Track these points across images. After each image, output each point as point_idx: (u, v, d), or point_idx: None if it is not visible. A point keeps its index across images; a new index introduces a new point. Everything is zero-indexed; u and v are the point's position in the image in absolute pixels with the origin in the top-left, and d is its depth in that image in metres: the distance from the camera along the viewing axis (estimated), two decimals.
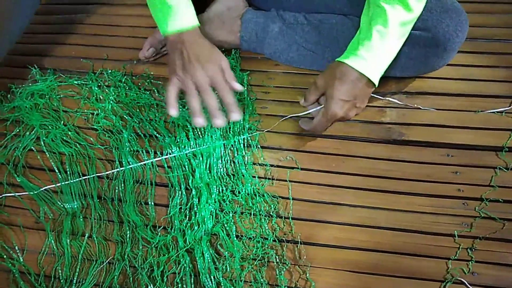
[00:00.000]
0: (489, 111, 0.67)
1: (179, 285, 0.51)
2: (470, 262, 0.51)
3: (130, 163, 0.63)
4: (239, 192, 0.59)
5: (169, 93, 0.59)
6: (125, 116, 0.70)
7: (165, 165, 0.63)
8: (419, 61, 0.67)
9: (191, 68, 0.59)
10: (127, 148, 0.65)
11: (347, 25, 0.68)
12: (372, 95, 0.67)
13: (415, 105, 0.69)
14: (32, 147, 0.66)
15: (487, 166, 0.61)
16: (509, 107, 0.67)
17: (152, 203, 0.59)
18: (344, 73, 0.58)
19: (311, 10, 0.72)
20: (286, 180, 0.61)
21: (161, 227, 0.57)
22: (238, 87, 0.61)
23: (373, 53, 0.57)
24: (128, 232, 0.55)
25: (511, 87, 0.70)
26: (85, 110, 0.71)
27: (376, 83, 0.59)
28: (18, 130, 0.68)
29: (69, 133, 0.68)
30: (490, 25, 0.81)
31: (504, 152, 0.62)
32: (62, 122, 0.70)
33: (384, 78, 0.70)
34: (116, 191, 0.60)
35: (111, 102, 0.72)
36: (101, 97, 0.73)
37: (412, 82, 0.72)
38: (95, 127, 0.69)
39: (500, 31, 0.80)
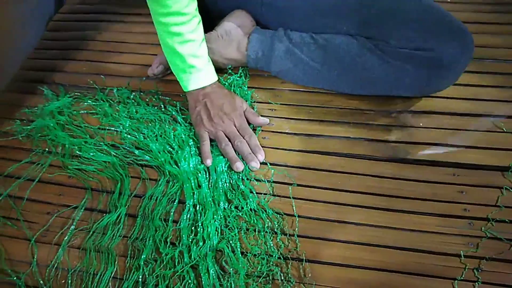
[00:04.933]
0: None
1: None
2: (476, 283, 0.51)
3: (170, 171, 0.64)
4: (242, 208, 0.60)
5: (205, 148, 0.65)
6: (143, 131, 0.71)
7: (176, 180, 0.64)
8: (424, 81, 0.68)
9: (219, 120, 0.66)
10: (163, 158, 0.66)
11: (353, 45, 0.69)
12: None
13: (421, 124, 0.69)
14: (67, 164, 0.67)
15: (493, 186, 0.61)
16: None
17: (172, 215, 0.59)
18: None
19: (317, 30, 0.73)
20: (290, 197, 0.61)
21: (170, 238, 0.57)
22: (263, 121, 0.69)
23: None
24: (149, 240, 0.56)
25: None
26: (106, 127, 0.72)
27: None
28: (43, 151, 0.70)
29: (103, 146, 0.69)
30: (496, 45, 0.82)
31: (510, 172, 0.62)
32: (89, 136, 0.71)
33: (390, 97, 0.72)
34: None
35: (125, 118, 0.73)
36: (113, 114, 0.74)
37: (418, 101, 0.72)
38: (120, 142, 0.70)
39: (506, 51, 0.81)
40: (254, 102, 0.75)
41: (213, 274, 0.52)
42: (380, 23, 0.66)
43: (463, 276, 0.51)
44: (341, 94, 0.74)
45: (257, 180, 0.63)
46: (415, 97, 0.72)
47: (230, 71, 0.80)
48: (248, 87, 0.78)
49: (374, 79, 0.69)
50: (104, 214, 0.60)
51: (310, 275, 0.53)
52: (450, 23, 0.65)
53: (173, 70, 0.68)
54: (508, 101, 0.72)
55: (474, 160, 0.64)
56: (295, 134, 0.70)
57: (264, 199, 0.61)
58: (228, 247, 0.55)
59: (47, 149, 0.69)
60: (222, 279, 0.52)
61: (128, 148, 0.69)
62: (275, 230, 0.57)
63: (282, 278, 0.52)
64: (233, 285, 0.52)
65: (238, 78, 0.79)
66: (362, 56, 0.68)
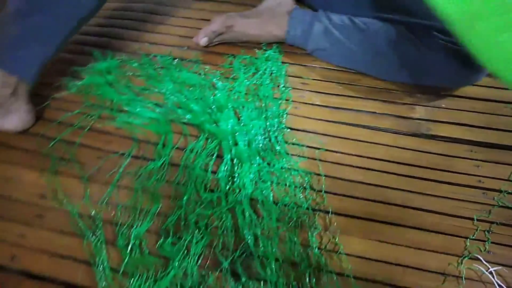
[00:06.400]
0: None
1: (221, 237, 0.57)
2: (486, 243, 0.56)
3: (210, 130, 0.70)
4: (273, 165, 0.65)
5: None
6: (184, 94, 0.77)
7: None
8: (455, 73, 0.72)
9: None
10: (204, 118, 0.72)
11: (391, 32, 0.73)
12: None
13: (443, 106, 0.74)
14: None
15: (507, 163, 0.66)
16: None
17: (211, 166, 0.65)
18: None
19: (358, 14, 0.77)
20: (317, 159, 0.66)
21: (209, 185, 0.63)
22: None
23: None
24: (190, 186, 0.62)
25: None
26: (151, 88, 0.78)
27: None
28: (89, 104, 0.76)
29: (148, 103, 0.75)
30: None
31: None
32: (134, 94, 0.77)
33: None
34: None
35: (168, 81, 0.79)
36: (157, 78, 0.80)
37: None
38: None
39: None
40: (288, 76, 0.81)
41: (248, 217, 0.58)
42: (425, 15, 0.70)
43: (475, 235, 0.57)
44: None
45: (288, 143, 0.69)
46: None
47: (264, 47, 0.86)
48: (282, 62, 0.83)
49: (408, 67, 0.74)
50: (149, 162, 0.67)
51: (335, 224, 0.58)
52: None
53: None
54: None
55: (490, 139, 0.69)
56: (325, 106, 0.75)
57: (294, 159, 0.66)
58: (261, 195, 0.61)
59: (96, 103, 0.76)
60: (256, 221, 0.58)
61: (170, 107, 0.75)
62: (304, 186, 0.63)
63: (310, 225, 0.58)
64: (265, 227, 0.58)
65: (273, 54, 0.84)
66: (400, 44, 0.72)
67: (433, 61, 0.70)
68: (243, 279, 0.52)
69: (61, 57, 0.85)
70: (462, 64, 0.69)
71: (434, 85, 0.75)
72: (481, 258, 0.54)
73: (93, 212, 0.60)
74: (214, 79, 0.79)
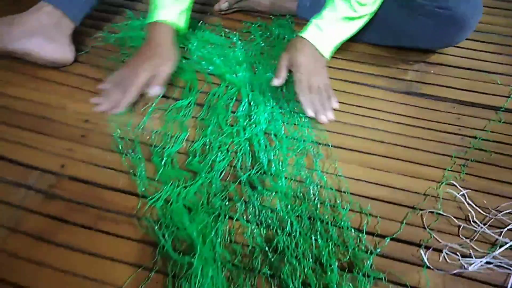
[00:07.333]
0: None
1: (240, 158, 0.67)
2: (461, 173, 0.67)
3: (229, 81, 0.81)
4: (283, 109, 0.76)
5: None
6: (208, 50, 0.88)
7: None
8: (438, 35, 0.84)
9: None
10: (224, 70, 0.83)
11: (388, 2, 0.84)
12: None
13: (432, 71, 0.86)
14: None
15: (483, 118, 0.77)
16: None
17: (231, 107, 0.76)
18: (303, 45, 0.75)
19: None
20: None
21: (229, 121, 0.73)
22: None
23: (323, 32, 0.75)
24: (213, 120, 0.73)
25: (509, 68, 0.88)
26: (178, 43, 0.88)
27: (327, 56, 0.76)
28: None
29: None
30: (497, 24, 1.00)
31: (501, 111, 0.78)
32: None
33: (409, 49, 0.88)
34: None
35: (193, 38, 0.90)
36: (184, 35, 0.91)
37: (432, 55, 0.89)
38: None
39: (505, 29, 0.98)
40: None
41: (263, 144, 0.69)
42: None
43: (452, 167, 0.68)
44: (367, 43, 0.91)
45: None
46: (430, 51, 0.89)
47: (279, 17, 0.97)
48: (292, 30, 0.95)
49: (400, 32, 0.85)
50: (177, 101, 0.77)
51: (336, 154, 0.69)
52: None
53: None
54: (504, 63, 0.89)
55: (471, 99, 0.81)
56: (329, 67, 0.86)
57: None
58: (274, 129, 0.72)
59: (130, 52, 0.86)
60: (270, 147, 0.69)
61: (195, 60, 0.85)
62: (310, 126, 0.74)
63: (314, 153, 0.69)
64: (277, 153, 0.68)
65: (286, 22, 0.96)
66: (394, 11, 0.83)
67: (420, 25, 0.82)
68: (259, 188, 0.63)
69: (99, 16, 0.95)
70: (445, 26, 0.80)
71: (422, 47, 0.87)
72: (456, 184, 0.65)
73: (132, 136, 0.71)
74: (234, 39, 0.90)
